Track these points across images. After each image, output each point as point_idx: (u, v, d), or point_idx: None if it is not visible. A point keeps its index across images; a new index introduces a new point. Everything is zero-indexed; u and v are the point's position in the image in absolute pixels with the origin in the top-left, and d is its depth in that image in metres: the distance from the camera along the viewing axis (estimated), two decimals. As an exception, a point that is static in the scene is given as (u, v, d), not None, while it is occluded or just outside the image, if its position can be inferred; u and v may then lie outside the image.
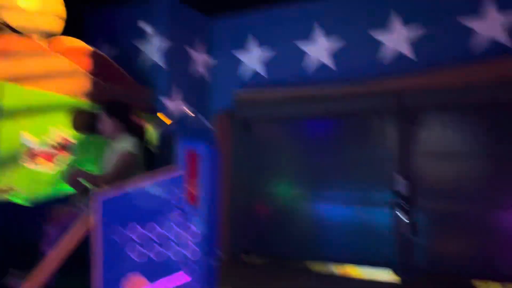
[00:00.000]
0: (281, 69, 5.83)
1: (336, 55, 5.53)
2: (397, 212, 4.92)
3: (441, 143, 4.92)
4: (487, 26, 4.71)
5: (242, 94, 5.85)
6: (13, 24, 4.26)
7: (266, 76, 5.95)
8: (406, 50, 5.15)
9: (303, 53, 5.73)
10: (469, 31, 4.81)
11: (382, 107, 5.18)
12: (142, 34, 5.64)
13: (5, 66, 4.17)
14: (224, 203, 5.12)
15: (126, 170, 2.72)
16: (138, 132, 2.92)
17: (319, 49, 5.63)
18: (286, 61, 5.80)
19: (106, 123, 2.88)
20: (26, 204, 2.97)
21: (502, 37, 4.65)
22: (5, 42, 4.25)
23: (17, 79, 4.18)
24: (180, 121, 2.71)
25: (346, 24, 5.47)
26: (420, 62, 5.04)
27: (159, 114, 5.01)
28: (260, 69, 6.00)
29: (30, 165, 4.02)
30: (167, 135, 2.77)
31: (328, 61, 5.58)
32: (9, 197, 2.54)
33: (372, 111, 5.26)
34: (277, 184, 5.70)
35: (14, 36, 4.30)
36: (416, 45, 5.10)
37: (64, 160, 4.28)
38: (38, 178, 4.06)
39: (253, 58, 6.05)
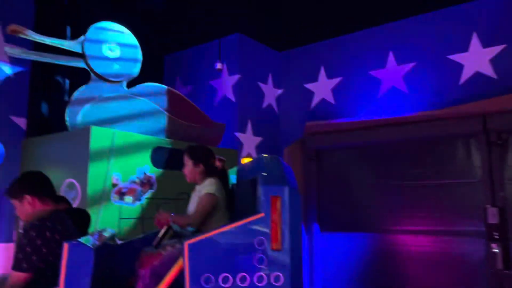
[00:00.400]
0: (353, 97, 5.78)
1: (410, 81, 5.38)
2: (488, 244, 4.56)
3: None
4: None
5: (312, 124, 5.84)
6: (98, 71, 4.65)
7: (337, 106, 5.92)
8: (488, 72, 4.87)
9: (374, 80, 5.64)
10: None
11: (464, 131, 4.89)
12: (215, 72, 5.89)
13: (93, 110, 4.54)
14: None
15: (208, 212, 2.81)
16: (219, 174, 3.01)
17: (392, 76, 5.51)
18: (357, 89, 5.75)
19: (189, 166, 3.00)
20: (116, 243, 3.15)
21: None
22: (94, 89, 4.64)
23: (104, 122, 4.53)
24: (260, 162, 2.75)
25: (420, 49, 5.32)
26: (503, 83, 4.74)
27: (243, 159, 5.18)
28: (330, 99, 5.99)
29: (118, 202, 4.28)
30: (247, 177, 2.83)
31: (401, 86, 5.44)
32: (106, 239, 2.71)
33: (454, 136, 4.99)
34: (352, 215, 5.54)
35: (101, 83, 4.69)
36: (497, 65, 4.82)
37: (148, 195, 4.52)
38: (125, 214, 4.31)
39: (322, 88, 6.06)
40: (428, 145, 5.17)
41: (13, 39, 4.69)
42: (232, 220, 2.77)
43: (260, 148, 6.06)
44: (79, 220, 2.57)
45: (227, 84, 5.91)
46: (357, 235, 5.43)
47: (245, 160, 5.32)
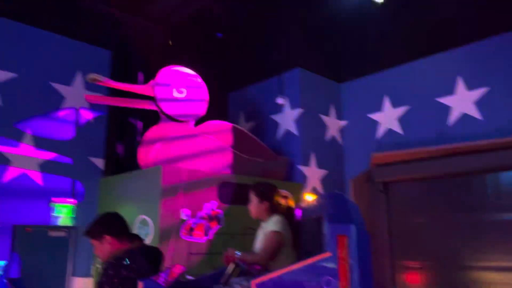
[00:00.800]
0: (420, 126, 5.56)
1: (483, 107, 5.08)
2: None
3: None
4: None
5: (378, 155, 5.68)
6: (167, 112, 4.91)
7: (403, 135, 5.73)
8: None
9: (443, 107, 5.40)
10: None
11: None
12: (277, 106, 5.98)
13: (163, 149, 4.78)
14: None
15: (275, 250, 2.81)
16: (285, 211, 3.02)
17: (462, 102, 5.25)
18: (424, 117, 5.53)
19: (254, 203, 3.04)
20: (186, 279, 3.23)
21: None
22: (164, 129, 4.90)
23: (174, 160, 4.74)
24: (325, 199, 2.72)
25: (493, 73, 5.05)
26: None
27: (305, 194, 5.16)
28: (397, 128, 5.82)
29: (187, 238, 4.40)
30: (313, 214, 2.80)
31: (473, 113, 5.15)
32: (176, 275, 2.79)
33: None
34: (428, 250, 5.22)
35: (171, 123, 4.94)
36: None
37: (216, 230, 4.60)
38: (194, 250, 4.41)
39: (388, 118, 5.91)
40: (506, 174, 4.81)
41: (92, 86, 5.13)
42: (298, 258, 2.74)
43: (324, 181, 5.98)
44: (152, 258, 2.67)
45: (290, 118, 5.97)
46: (435, 273, 5.10)
47: (308, 195, 5.26)
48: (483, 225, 4.88)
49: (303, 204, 3.24)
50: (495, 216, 4.82)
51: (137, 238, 3.08)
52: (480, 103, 5.11)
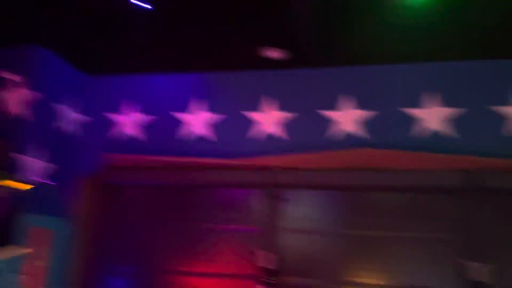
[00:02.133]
0: (158, 136, 5.72)
1: (218, 129, 5.62)
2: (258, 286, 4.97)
3: (306, 220, 5.21)
4: (343, 120, 5.26)
5: (112, 157, 5.57)
6: None
7: (142, 142, 5.76)
8: (279, 132, 5.45)
9: (180, 123, 5.70)
10: (329, 122, 5.31)
11: (255, 182, 5.36)
12: (7, 81, 5.10)
13: None
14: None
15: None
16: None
17: (198, 121, 5.67)
18: (164, 129, 5.72)
19: None
20: None
21: (356, 130, 5.20)
22: None
23: None
24: (33, 189, 2.41)
25: (226, 102, 5.66)
26: (292, 144, 5.35)
27: (9, 182, 4.37)
28: (136, 134, 5.80)
29: None
30: (14, 205, 2.44)
31: (208, 134, 5.62)
32: None
33: (245, 184, 5.43)
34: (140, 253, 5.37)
35: None
36: (288, 128, 5.44)
37: None
38: None
39: (128, 122, 5.84)
40: (220, 190, 5.50)
41: None
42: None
43: (51, 176, 5.33)
44: None
45: (20, 98, 5.15)
46: (141, 274, 5.27)
47: (15, 183, 4.53)
48: (184, 233, 5.42)
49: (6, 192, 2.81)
50: (195, 226, 5.43)
51: None
52: (216, 127, 5.61)
